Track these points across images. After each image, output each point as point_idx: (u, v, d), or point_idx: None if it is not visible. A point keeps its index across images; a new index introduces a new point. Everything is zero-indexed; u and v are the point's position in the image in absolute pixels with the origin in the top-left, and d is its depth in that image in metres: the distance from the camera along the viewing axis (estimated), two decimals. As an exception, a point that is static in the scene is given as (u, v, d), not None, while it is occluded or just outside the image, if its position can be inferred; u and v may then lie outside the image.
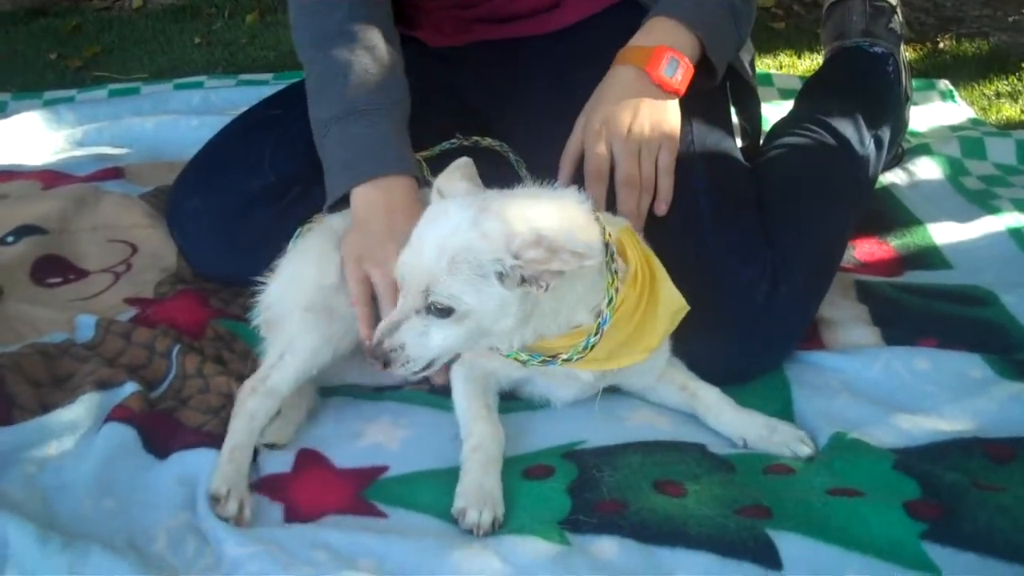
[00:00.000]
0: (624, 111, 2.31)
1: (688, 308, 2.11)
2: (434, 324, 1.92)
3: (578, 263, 1.85)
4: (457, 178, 2.06)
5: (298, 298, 2.23)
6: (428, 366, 1.97)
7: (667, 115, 2.35)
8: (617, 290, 2.04)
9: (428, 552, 1.84)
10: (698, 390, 2.24)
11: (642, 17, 2.46)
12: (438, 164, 2.37)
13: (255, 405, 2.11)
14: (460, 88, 2.80)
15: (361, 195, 2.28)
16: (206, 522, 1.92)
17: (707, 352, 2.24)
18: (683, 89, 2.39)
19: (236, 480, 1.98)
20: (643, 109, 2.33)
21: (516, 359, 2.08)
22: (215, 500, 1.94)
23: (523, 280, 1.89)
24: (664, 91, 2.36)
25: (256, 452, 2.11)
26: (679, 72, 2.37)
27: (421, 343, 1.93)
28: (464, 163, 2.11)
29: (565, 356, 2.06)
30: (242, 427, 2.08)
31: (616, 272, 2.05)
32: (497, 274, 1.88)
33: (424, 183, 2.34)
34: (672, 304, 2.11)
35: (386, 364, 1.93)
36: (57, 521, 1.92)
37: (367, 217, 2.26)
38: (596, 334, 2.04)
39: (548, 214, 1.93)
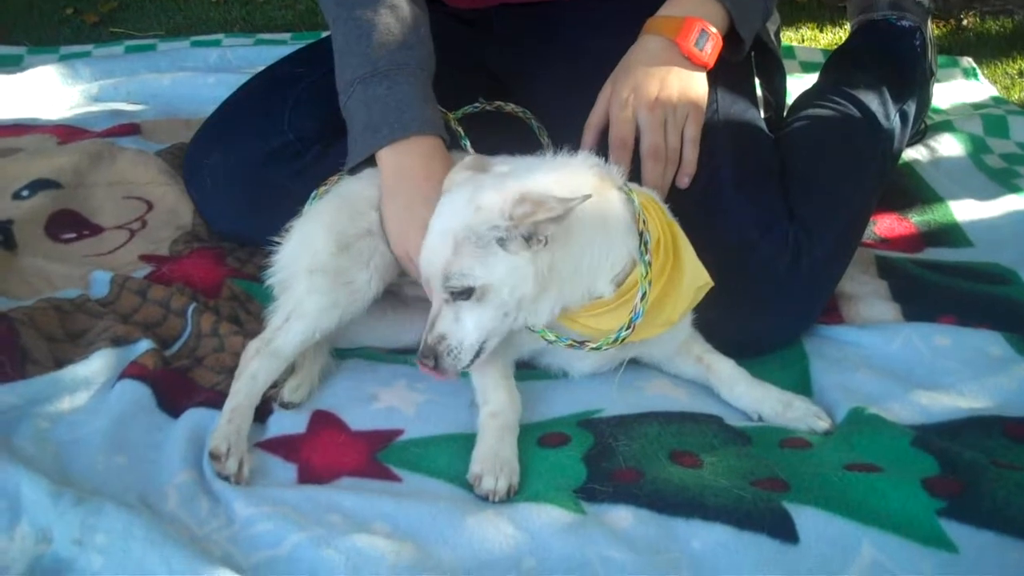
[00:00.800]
0: (652, 80, 2.29)
1: (712, 284, 2.10)
2: (463, 309, 1.96)
3: (564, 207, 1.87)
4: (459, 170, 2.09)
5: (306, 261, 2.21)
6: (477, 354, 1.99)
7: (695, 86, 2.33)
8: (651, 283, 2.03)
9: (442, 517, 1.83)
10: (713, 362, 2.23)
11: None
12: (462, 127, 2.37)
13: (257, 366, 2.10)
14: (483, 52, 2.78)
15: (387, 160, 2.26)
16: (216, 482, 1.91)
17: (726, 323, 2.22)
18: (712, 62, 2.37)
19: (235, 439, 1.97)
20: (671, 79, 2.30)
21: (544, 337, 2.08)
22: (215, 458, 1.93)
23: (527, 240, 1.92)
24: (693, 63, 2.34)
25: (270, 412, 2.10)
26: (708, 44, 2.35)
27: (458, 330, 1.96)
28: (470, 161, 2.12)
29: (594, 345, 2.07)
30: (243, 388, 2.07)
31: (650, 264, 2.04)
32: (498, 240, 1.92)
33: (455, 146, 2.33)
34: (697, 279, 2.09)
35: (436, 360, 1.97)
36: (70, 477, 1.91)
37: (395, 183, 2.24)
38: (628, 327, 2.04)
39: (541, 179, 1.97)
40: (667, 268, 2.07)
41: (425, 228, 2.09)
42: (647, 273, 2.03)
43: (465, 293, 1.94)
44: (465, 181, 2.05)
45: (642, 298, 2.03)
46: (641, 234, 2.05)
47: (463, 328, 1.97)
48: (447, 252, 1.94)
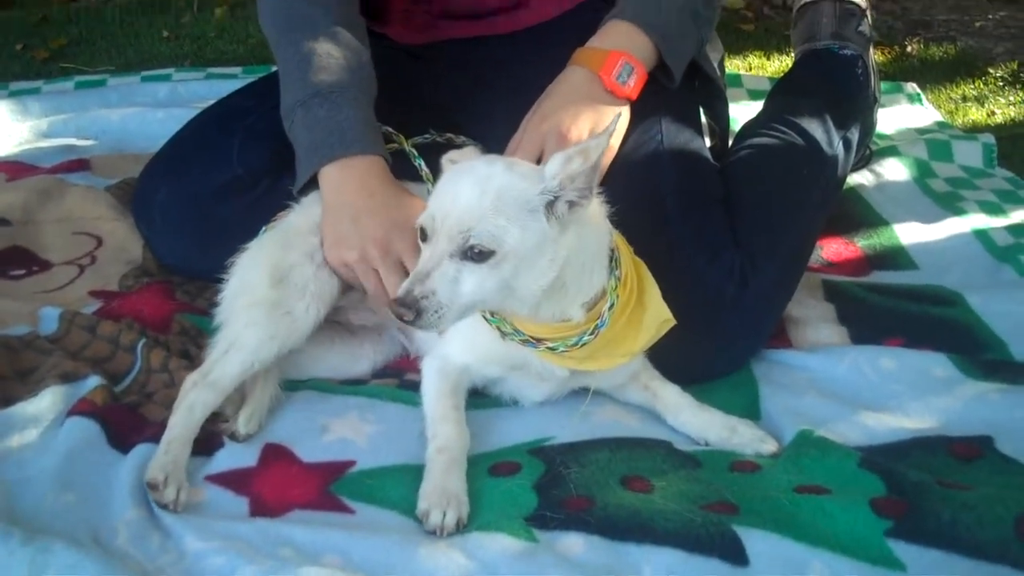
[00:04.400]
0: (566, 115, 2.31)
1: (674, 322, 2.12)
2: (467, 270, 1.89)
3: (607, 139, 1.91)
4: (468, 153, 2.09)
5: (244, 296, 2.23)
6: (458, 317, 1.94)
7: (608, 123, 2.33)
8: (618, 297, 2.05)
9: (394, 549, 1.83)
10: (659, 389, 2.24)
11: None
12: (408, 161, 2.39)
13: (194, 398, 2.09)
14: (428, 86, 2.79)
15: (329, 177, 2.27)
16: (167, 517, 1.90)
17: (674, 351, 2.22)
18: (635, 95, 2.39)
19: (173, 469, 1.96)
20: (584, 114, 2.32)
21: (500, 328, 2.06)
22: (152, 487, 1.92)
23: (571, 206, 1.90)
24: (615, 96, 2.36)
25: (219, 446, 2.10)
26: (632, 78, 2.37)
27: (453, 290, 1.89)
28: (472, 149, 2.12)
29: (551, 344, 2.05)
30: (180, 420, 2.06)
31: (619, 278, 2.06)
32: (547, 205, 1.90)
33: (407, 169, 2.36)
34: (659, 315, 2.11)
35: (418, 314, 1.88)
36: (18, 515, 1.89)
37: (337, 199, 2.25)
38: (592, 333, 2.04)
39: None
40: (631, 303, 2.09)
41: (374, 240, 2.13)
42: (616, 286, 2.05)
43: (482, 254, 1.87)
44: (488, 157, 2.03)
45: (609, 308, 2.04)
46: (612, 250, 2.06)
47: (459, 288, 1.89)
48: (482, 206, 1.87)
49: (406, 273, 2.16)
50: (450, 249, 1.88)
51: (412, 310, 1.87)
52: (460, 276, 1.89)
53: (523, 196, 1.89)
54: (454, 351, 2.19)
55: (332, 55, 2.34)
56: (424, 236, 1.95)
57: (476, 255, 1.88)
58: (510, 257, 1.89)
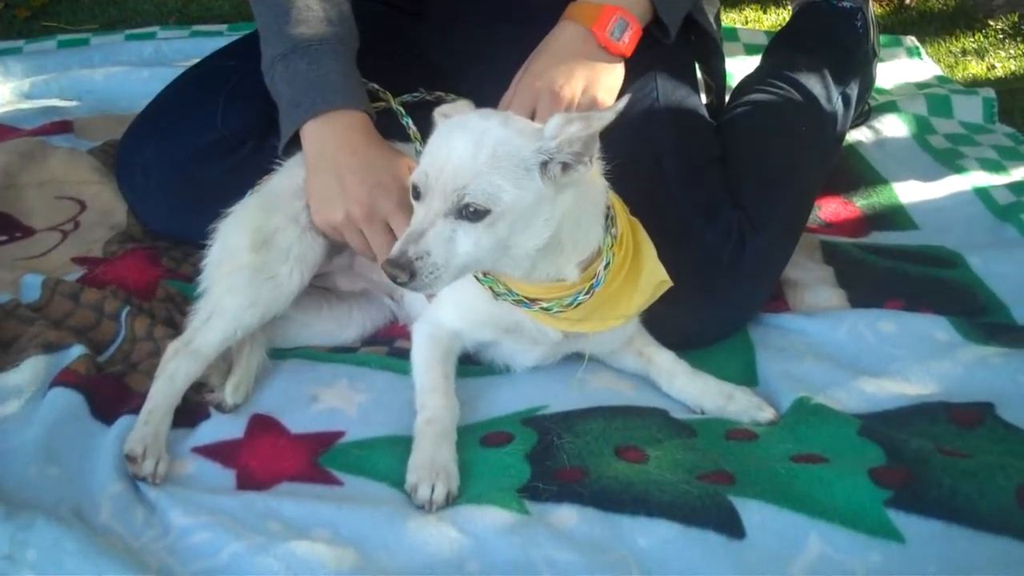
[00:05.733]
0: (559, 72, 2.25)
1: (671, 283, 2.08)
2: (461, 229, 1.84)
3: (613, 114, 1.84)
4: (462, 107, 2.03)
5: (226, 261, 2.19)
6: (453, 278, 1.89)
7: (602, 79, 2.29)
8: (614, 255, 2.00)
9: (383, 522, 1.80)
10: (653, 355, 2.21)
11: None
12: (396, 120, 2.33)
13: (175, 367, 2.06)
14: (420, 41, 2.73)
15: (311, 134, 2.22)
16: (151, 492, 1.87)
17: (670, 314, 2.19)
18: (629, 51, 2.33)
19: (152, 441, 1.92)
20: (578, 72, 2.26)
21: (492, 288, 2.02)
22: (131, 460, 1.89)
23: (565, 169, 1.86)
24: (610, 52, 2.31)
25: (205, 417, 2.07)
26: (627, 34, 2.32)
27: (448, 249, 1.84)
28: (466, 103, 2.06)
29: (545, 304, 2.01)
30: (161, 389, 2.03)
31: (615, 236, 2.01)
32: (541, 165, 1.85)
33: (395, 127, 2.30)
34: (655, 276, 2.07)
35: (412, 275, 1.83)
36: (1, 489, 1.86)
37: (320, 158, 2.20)
38: (588, 293, 2.00)
39: None
40: (626, 264, 2.05)
41: (358, 200, 2.09)
42: (612, 244, 2.01)
43: (477, 213, 1.82)
44: (482, 112, 1.97)
45: (605, 267, 2.00)
46: (608, 215, 2.02)
47: (455, 248, 1.84)
48: (477, 164, 1.82)
49: (392, 233, 2.12)
50: (444, 208, 1.84)
51: (406, 271, 1.82)
52: (455, 236, 1.84)
53: (519, 153, 1.84)
54: (446, 315, 2.15)
55: (311, 7, 2.28)
56: (417, 194, 1.90)
57: (471, 214, 1.83)
58: (506, 216, 1.84)
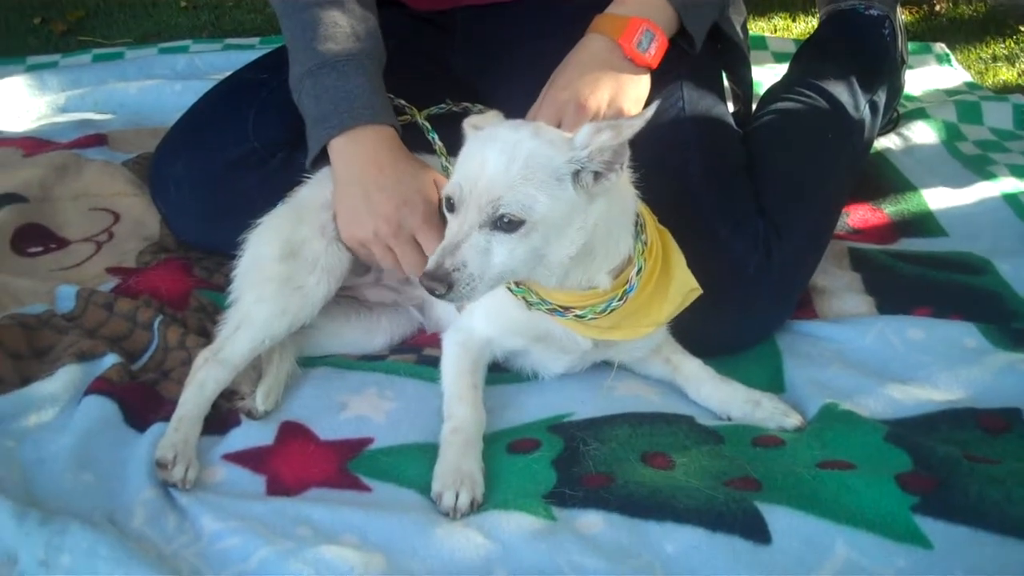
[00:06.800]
0: (584, 84, 2.25)
1: (701, 291, 2.09)
2: (496, 240, 1.85)
3: (642, 121, 1.86)
4: (491, 119, 2.04)
5: (255, 271, 2.22)
6: (488, 288, 1.90)
7: (629, 91, 2.29)
8: (645, 262, 2.02)
9: (411, 527, 1.81)
10: (680, 363, 2.22)
11: None
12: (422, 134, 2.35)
13: (205, 375, 2.09)
14: (445, 54, 2.75)
15: (339, 150, 2.24)
16: (183, 498, 1.89)
17: (698, 322, 2.19)
18: (656, 63, 2.34)
19: (183, 448, 1.95)
20: (604, 84, 2.27)
21: (525, 298, 2.03)
22: (161, 467, 1.92)
23: (596, 177, 1.87)
24: (636, 65, 2.31)
25: (235, 424, 2.09)
26: (653, 46, 2.32)
27: (484, 260, 1.85)
28: (495, 114, 2.08)
29: (578, 312, 2.02)
30: (191, 398, 2.06)
31: (645, 243, 2.03)
32: (573, 174, 1.86)
33: (421, 142, 2.31)
34: (685, 284, 2.08)
35: (449, 287, 1.83)
36: (36, 496, 1.89)
37: (347, 174, 2.22)
38: (621, 299, 2.01)
39: None
40: (656, 271, 2.06)
41: (385, 217, 2.10)
42: (643, 251, 2.02)
43: (512, 224, 1.84)
44: (513, 122, 1.98)
45: (637, 272, 2.01)
46: (638, 223, 2.03)
47: (490, 259, 1.85)
48: (511, 175, 1.83)
49: (419, 248, 2.13)
50: (479, 219, 1.85)
51: (444, 283, 1.84)
52: (491, 247, 1.85)
53: (551, 164, 1.86)
54: (477, 323, 2.17)
55: (338, 23, 2.30)
56: (451, 206, 1.91)
57: (506, 225, 1.84)
58: (540, 226, 1.86)
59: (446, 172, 2.21)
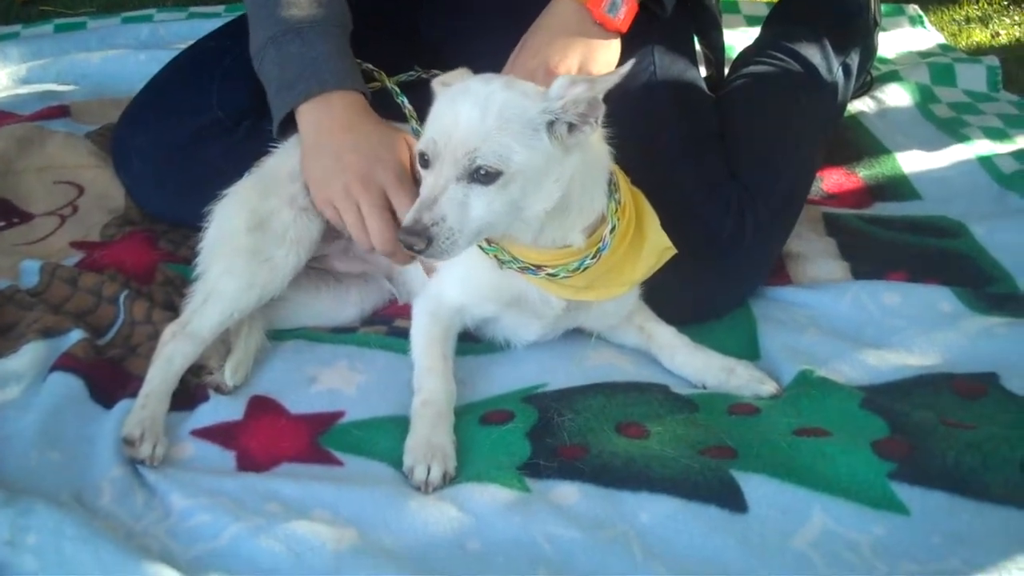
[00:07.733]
0: (554, 50, 2.22)
1: (675, 250, 2.07)
2: (474, 193, 1.83)
3: (618, 77, 1.86)
4: (459, 75, 2.01)
5: (222, 243, 2.18)
6: (468, 243, 1.88)
7: (598, 56, 2.26)
8: (618, 220, 2.00)
9: (384, 501, 1.80)
10: (654, 331, 2.20)
11: None
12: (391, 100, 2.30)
13: (172, 349, 2.06)
14: (414, 20, 2.71)
15: (307, 116, 2.20)
16: (151, 474, 1.86)
17: (672, 288, 2.19)
18: (625, 27, 2.30)
19: (150, 424, 1.92)
20: (573, 49, 2.23)
21: (497, 257, 2.01)
22: (128, 444, 1.89)
23: (571, 128, 1.86)
24: (605, 29, 2.28)
25: (204, 399, 2.06)
26: (622, 10, 2.28)
27: (463, 213, 1.82)
28: (463, 71, 2.03)
29: (551, 270, 2.00)
30: (159, 373, 2.03)
31: (619, 202, 2.01)
32: (548, 124, 1.84)
33: (391, 106, 2.28)
34: (658, 244, 2.06)
35: (429, 242, 1.81)
36: (2, 475, 1.86)
37: (316, 139, 2.18)
38: (594, 257, 1.99)
39: None
40: (630, 231, 2.04)
41: (357, 174, 2.07)
42: (616, 209, 2.00)
43: (489, 176, 1.81)
44: (483, 76, 1.96)
45: (611, 231, 1.99)
46: (611, 181, 2.02)
47: (469, 212, 1.83)
48: (486, 126, 1.81)
49: (390, 207, 2.10)
50: (456, 172, 1.83)
51: (423, 238, 1.81)
52: (468, 199, 1.83)
53: (525, 114, 1.84)
54: (448, 289, 2.14)
55: None
56: (425, 162, 1.88)
57: (483, 176, 1.82)
58: (517, 177, 1.84)
59: (417, 136, 2.18)
